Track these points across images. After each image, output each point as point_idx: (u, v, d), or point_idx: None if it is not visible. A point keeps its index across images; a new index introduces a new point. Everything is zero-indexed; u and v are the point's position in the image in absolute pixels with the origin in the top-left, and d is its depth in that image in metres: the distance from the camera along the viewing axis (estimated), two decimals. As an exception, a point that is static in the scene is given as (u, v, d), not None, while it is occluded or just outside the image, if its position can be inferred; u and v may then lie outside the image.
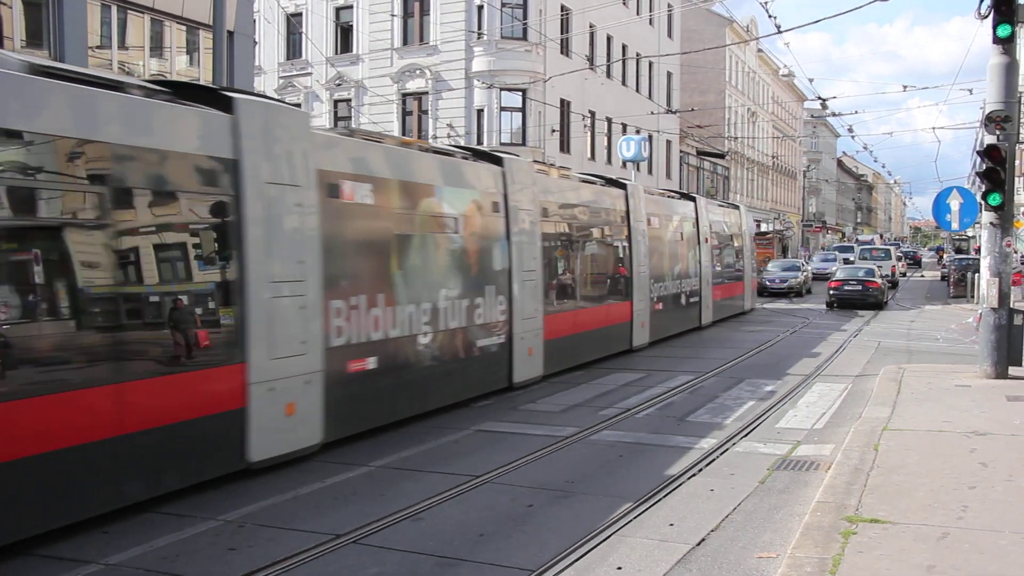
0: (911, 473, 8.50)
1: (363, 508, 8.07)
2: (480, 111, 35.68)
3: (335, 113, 39.20)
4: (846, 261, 47.11)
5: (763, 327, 25.40)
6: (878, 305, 32.53)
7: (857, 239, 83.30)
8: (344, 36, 39.12)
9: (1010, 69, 13.91)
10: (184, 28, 21.65)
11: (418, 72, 36.82)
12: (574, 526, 7.49)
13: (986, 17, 13.85)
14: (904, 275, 56.57)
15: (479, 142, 35.22)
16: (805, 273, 40.92)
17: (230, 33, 21.21)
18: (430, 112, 36.69)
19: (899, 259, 55.33)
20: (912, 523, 6.97)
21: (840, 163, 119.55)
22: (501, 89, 35.47)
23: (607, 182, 19.73)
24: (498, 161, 14.39)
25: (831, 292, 32.81)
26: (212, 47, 20.59)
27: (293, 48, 40.41)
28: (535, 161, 18.52)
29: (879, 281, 33.38)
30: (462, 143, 35.21)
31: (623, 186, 19.96)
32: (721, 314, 26.45)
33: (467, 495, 8.50)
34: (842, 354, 19.08)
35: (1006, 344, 13.98)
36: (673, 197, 24.57)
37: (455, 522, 7.68)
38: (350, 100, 38.61)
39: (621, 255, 19.39)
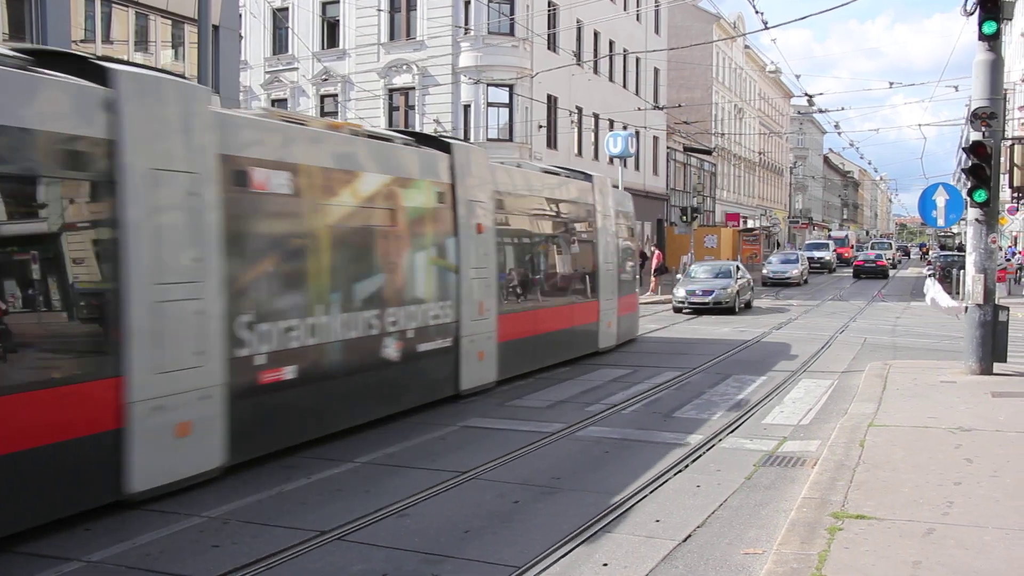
0: (897, 469, 8.52)
1: (348, 505, 8.03)
2: (467, 107, 35.63)
3: (322, 108, 39.08)
4: (856, 258, 60.56)
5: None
6: (885, 275, 51.96)
7: (830, 235, 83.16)
8: (331, 31, 39.02)
9: (996, 66, 13.93)
10: (169, 22, 21.53)
11: (405, 67, 36.74)
12: (560, 522, 7.47)
13: (972, 14, 13.87)
14: (900, 261, 79.17)
15: (466, 138, 35.17)
16: (742, 281, 29.76)
17: (215, 27, 21.13)
18: (417, 108, 36.62)
19: (897, 250, 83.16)
20: (898, 519, 6.98)
21: (826, 160, 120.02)
22: (488, 85, 35.44)
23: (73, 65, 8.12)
24: None
25: (855, 268, 53.16)
26: (197, 41, 20.45)
27: (279, 43, 40.30)
28: None
29: (886, 261, 55.10)
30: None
31: (105, 83, 7.93)
32: (529, 363, 15.17)
33: (453, 491, 8.47)
34: (828, 350, 19.12)
35: (991, 340, 14.02)
36: (386, 140, 12.65)
37: (441, 519, 7.64)
38: (336, 95, 38.51)
39: (90, 267, 8.02)
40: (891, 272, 56.91)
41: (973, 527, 6.79)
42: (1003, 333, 14.15)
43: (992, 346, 14.05)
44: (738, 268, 30.62)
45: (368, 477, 9.07)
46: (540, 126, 37.07)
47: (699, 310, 28.16)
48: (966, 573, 5.89)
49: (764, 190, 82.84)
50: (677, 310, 28.69)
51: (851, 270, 55.81)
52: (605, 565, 6.57)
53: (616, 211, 19.86)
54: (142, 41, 21.18)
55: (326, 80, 38.73)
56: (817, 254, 58.85)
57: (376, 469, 9.39)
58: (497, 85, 35.62)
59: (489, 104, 35.70)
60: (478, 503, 8.12)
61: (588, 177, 19.10)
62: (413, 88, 36.72)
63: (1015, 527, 6.78)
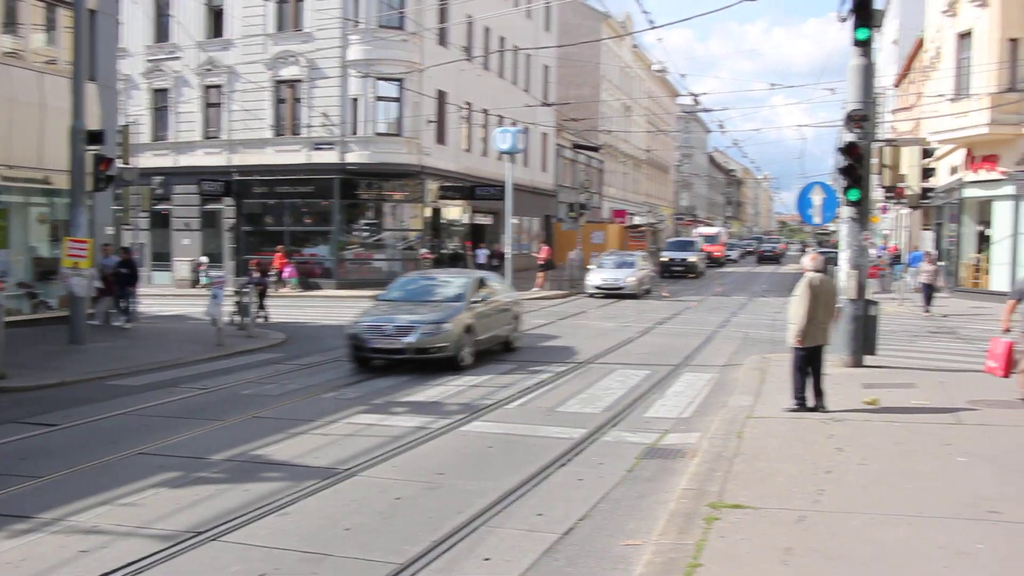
0: (772, 459, 8.76)
1: (225, 504, 7.82)
2: (355, 100, 35.19)
3: (206, 99, 38.07)
4: (760, 249, 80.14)
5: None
6: (778, 260, 73.99)
7: (699, 232, 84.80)
8: (215, 19, 37.99)
9: (868, 71, 14.48)
10: (43, 4, 20.65)
11: (292, 59, 36.08)
12: (443, 518, 7.43)
13: (845, 20, 14.38)
14: (784, 254, 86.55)
15: (354, 132, 34.77)
16: (482, 308, 16.75)
17: (92, 12, 20.32)
18: (304, 100, 36.01)
19: (809, 244, 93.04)
20: (772, 508, 7.17)
21: (711, 158, 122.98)
22: (377, 78, 35.09)
23: None
24: None
25: (759, 256, 77.19)
26: (73, 26, 19.63)
27: (161, 31, 39.02)
28: None
29: (778, 251, 79.96)
30: (337, 132, 34.79)
31: None
32: None
33: (334, 488, 8.34)
34: (710, 345, 19.54)
35: (863, 334, 14.57)
36: None
37: (321, 516, 7.51)
38: (221, 86, 37.55)
39: None
40: (781, 259, 76.71)
41: (842, 513, 7.03)
42: (873, 327, 14.73)
43: (863, 339, 14.60)
44: (482, 283, 17.78)
45: (245, 474, 8.85)
46: (429, 121, 36.89)
47: (394, 363, 15.51)
48: (835, 557, 6.09)
49: (650, 187, 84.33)
50: (360, 360, 15.76)
51: (722, 270, 56.95)
52: (487, 559, 6.56)
53: None
54: (11, 23, 20.26)
55: (210, 71, 37.73)
56: (679, 255, 47.10)
57: (253, 466, 9.17)
58: (386, 79, 35.29)
59: (378, 98, 35.35)
60: (359, 500, 8.01)
61: None
62: (301, 80, 36.08)
63: (880, 512, 7.05)
